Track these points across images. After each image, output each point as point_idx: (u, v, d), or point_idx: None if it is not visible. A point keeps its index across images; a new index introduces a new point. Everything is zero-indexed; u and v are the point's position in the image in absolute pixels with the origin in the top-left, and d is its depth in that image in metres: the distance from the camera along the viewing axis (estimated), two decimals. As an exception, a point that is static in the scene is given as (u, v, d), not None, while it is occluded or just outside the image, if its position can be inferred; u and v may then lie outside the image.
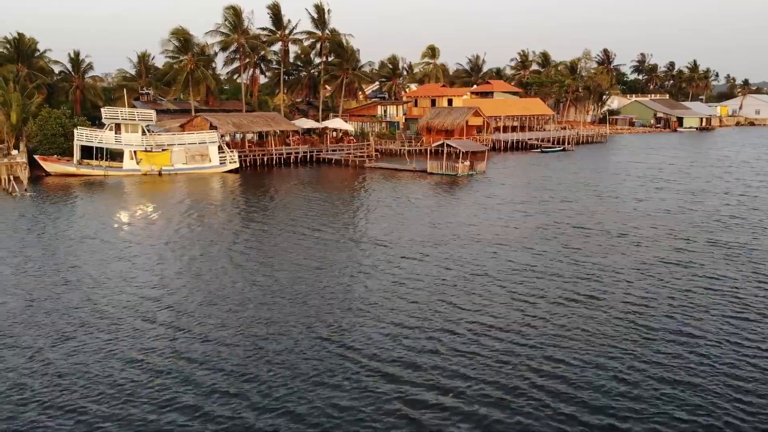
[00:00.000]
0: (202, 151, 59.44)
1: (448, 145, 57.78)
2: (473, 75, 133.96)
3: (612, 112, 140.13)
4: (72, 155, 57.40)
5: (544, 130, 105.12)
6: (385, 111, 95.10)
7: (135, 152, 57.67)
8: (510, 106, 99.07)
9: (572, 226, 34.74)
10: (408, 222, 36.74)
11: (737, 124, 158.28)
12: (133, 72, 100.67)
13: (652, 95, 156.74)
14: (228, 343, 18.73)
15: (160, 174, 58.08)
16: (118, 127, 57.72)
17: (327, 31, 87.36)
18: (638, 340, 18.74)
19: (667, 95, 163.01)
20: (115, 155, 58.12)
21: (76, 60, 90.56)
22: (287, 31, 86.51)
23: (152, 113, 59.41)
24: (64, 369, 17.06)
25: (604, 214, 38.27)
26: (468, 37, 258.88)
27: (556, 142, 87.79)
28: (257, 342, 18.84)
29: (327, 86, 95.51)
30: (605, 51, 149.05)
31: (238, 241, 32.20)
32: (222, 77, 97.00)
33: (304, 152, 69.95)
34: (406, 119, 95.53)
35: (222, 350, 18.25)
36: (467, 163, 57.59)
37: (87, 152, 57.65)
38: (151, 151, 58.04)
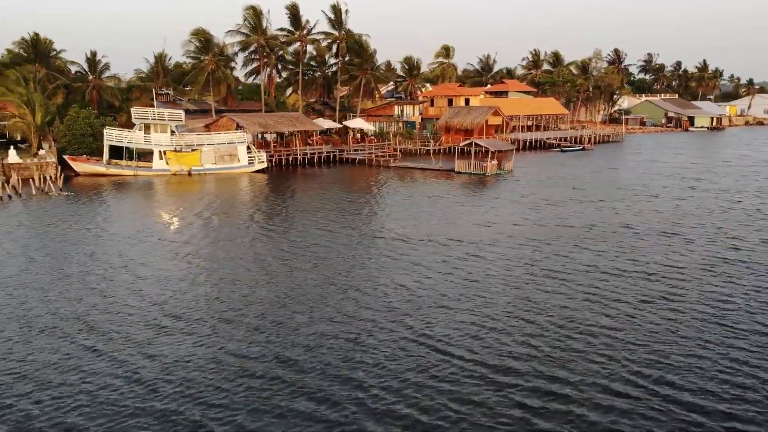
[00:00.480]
0: (231, 152, 59.55)
1: (476, 144, 57.83)
2: (484, 75, 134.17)
3: (622, 112, 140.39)
4: (101, 155, 57.51)
5: (559, 129, 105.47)
6: (401, 111, 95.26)
7: (164, 152, 57.77)
8: (526, 106, 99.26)
9: (621, 226, 34.85)
10: (451, 221, 36.85)
11: (746, 123, 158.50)
12: (148, 71, 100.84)
13: (661, 95, 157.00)
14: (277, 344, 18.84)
15: (189, 174, 58.18)
16: (147, 127, 57.83)
17: (343, 32, 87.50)
18: (727, 339, 18.86)
19: (675, 95, 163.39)
20: (142, 155, 58.27)
21: (92, 60, 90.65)
22: (305, 32, 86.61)
23: (181, 113, 59.53)
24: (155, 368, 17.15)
25: (648, 214, 38.38)
26: (476, 37, 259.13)
27: (574, 142, 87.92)
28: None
29: (341, 86, 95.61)
30: (616, 51, 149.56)
31: (278, 242, 32.27)
32: (238, 78, 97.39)
33: (327, 152, 70.05)
34: (422, 119, 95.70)
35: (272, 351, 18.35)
36: (495, 162, 57.71)
37: (115, 152, 57.80)
38: (180, 151, 58.14)
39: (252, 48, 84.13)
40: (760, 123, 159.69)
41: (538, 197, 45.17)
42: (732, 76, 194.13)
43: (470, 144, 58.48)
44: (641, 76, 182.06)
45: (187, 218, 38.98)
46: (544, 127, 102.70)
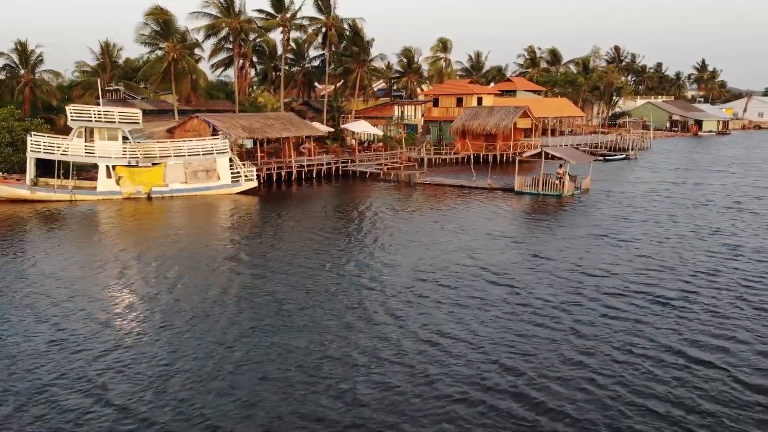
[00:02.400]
0: (208, 166, 43.17)
1: (546, 154, 42.81)
2: (475, 73, 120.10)
3: (621, 114, 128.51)
4: (24, 172, 40.65)
5: (575, 133, 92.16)
6: (402, 112, 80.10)
7: (113, 168, 41.11)
8: (542, 107, 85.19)
9: None
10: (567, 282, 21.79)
11: (743, 127, 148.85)
12: (94, 65, 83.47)
13: (661, 97, 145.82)
14: None
15: (149, 198, 41.72)
16: (90, 132, 41.12)
17: (333, 16, 71.89)
18: None
19: (672, 97, 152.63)
20: (85, 172, 41.80)
21: (23, 51, 72.79)
22: (289, 14, 70.66)
23: (137, 113, 42.69)
24: None
25: None
26: (462, 34, 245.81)
27: (612, 149, 74.51)
28: None
29: (328, 82, 79.98)
30: (616, 48, 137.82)
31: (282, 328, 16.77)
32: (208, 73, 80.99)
33: (328, 164, 54.21)
34: (425, 121, 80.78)
35: None
36: (566, 178, 42.99)
37: (48, 168, 41.10)
38: (136, 166, 41.56)
39: (222, 34, 67.99)
40: (758, 127, 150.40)
41: (666, 231, 30.49)
42: (724, 82, 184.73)
43: (538, 154, 43.33)
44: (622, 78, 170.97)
45: (134, 282, 22.88)
46: (560, 131, 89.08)
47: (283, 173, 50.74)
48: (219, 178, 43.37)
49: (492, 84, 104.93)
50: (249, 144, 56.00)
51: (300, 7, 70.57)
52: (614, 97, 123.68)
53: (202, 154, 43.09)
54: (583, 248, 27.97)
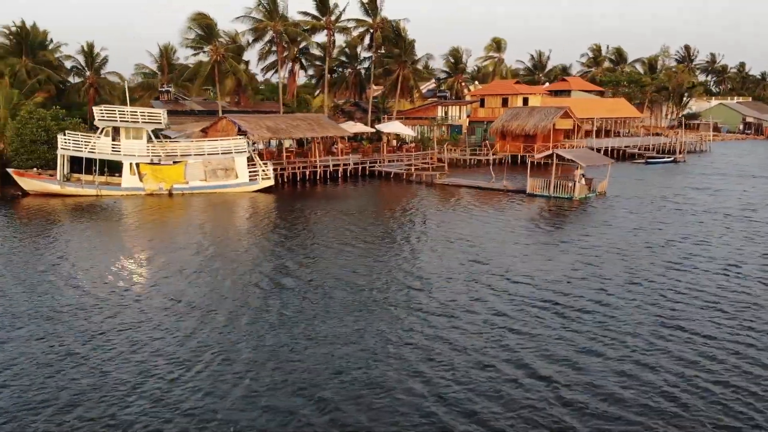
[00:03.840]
0: (227, 164, 44.90)
1: (558, 156, 42.09)
2: (537, 73, 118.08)
3: (692, 116, 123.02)
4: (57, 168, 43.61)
5: (630, 135, 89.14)
6: (445, 112, 79.96)
7: (137, 165, 43.49)
8: (594, 107, 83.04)
9: None
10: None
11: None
12: (154, 67, 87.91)
13: (736, 98, 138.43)
14: None
15: (170, 194, 43.83)
16: (117, 131, 43.66)
17: (379, 18, 72.57)
18: None
19: (749, 98, 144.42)
20: (115, 169, 44.36)
21: (89, 53, 77.58)
22: (333, 17, 71.96)
23: (161, 113, 44.98)
24: None
25: None
26: (526, 32, 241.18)
27: (660, 151, 71.68)
28: None
29: (374, 85, 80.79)
30: (686, 47, 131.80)
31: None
32: (254, 74, 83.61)
33: (355, 164, 55.04)
34: (470, 122, 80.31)
35: None
36: (584, 182, 42.02)
37: (82, 165, 43.92)
38: (158, 164, 43.77)
39: (267, 37, 69.89)
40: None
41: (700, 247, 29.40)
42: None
43: (549, 156, 42.65)
44: (702, 78, 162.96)
45: (152, 272, 24.30)
46: (614, 132, 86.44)
47: (307, 172, 51.95)
48: (237, 177, 45.00)
49: (547, 84, 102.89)
50: (286, 145, 57.62)
51: (344, 10, 71.47)
52: (684, 98, 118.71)
53: (221, 154, 44.82)
54: (557, 254, 27.52)
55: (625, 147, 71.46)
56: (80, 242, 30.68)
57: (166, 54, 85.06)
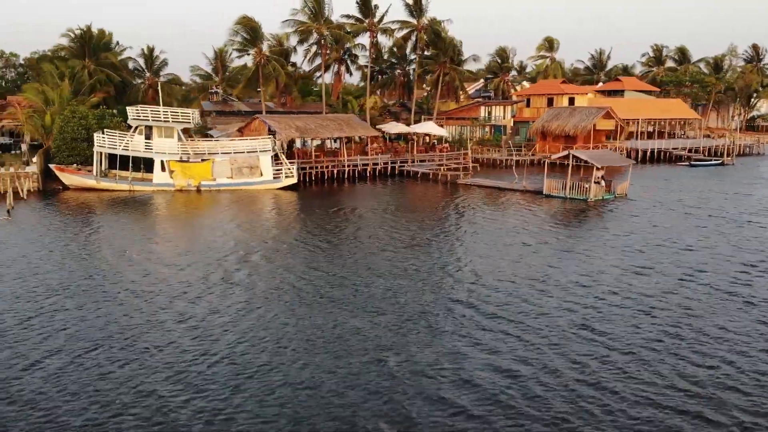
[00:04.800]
0: (252, 163, 46.62)
1: (575, 158, 41.63)
2: (596, 73, 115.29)
3: (759, 117, 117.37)
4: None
5: (686, 137, 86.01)
6: (489, 112, 79.60)
7: (167, 162, 45.81)
8: (646, 108, 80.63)
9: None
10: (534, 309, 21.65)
11: None
12: (209, 69, 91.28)
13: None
14: None
15: (198, 190, 45.93)
16: (150, 130, 46.13)
17: (424, 20, 73.03)
18: None
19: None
20: (150, 166, 46.82)
21: (149, 56, 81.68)
22: (376, 20, 72.87)
23: (192, 113, 47.20)
24: None
25: None
26: (588, 30, 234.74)
27: (708, 153, 69.06)
28: None
29: (417, 85, 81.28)
30: (754, 47, 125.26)
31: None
32: (307, 75, 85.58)
33: (384, 163, 55.85)
34: (515, 122, 79.61)
35: None
36: (603, 183, 41.36)
37: (120, 162, 46.69)
38: (187, 162, 45.96)
39: (312, 39, 71.51)
40: None
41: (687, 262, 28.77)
42: None
43: (566, 156, 42.23)
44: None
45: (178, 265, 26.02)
46: (668, 134, 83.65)
47: (336, 171, 53.14)
48: (261, 175, 46.64)
49: (600, 84, 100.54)
50: (330, 143, 59.14)
51: (386, 12, 72.23)
52: (753, 99, 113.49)
53: (247, 152, 46.57)
54: (558, 256, 27.54)
55: (672, 149, 69.20)
56: (113, 231, 32.86)
57: (220, 56, 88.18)
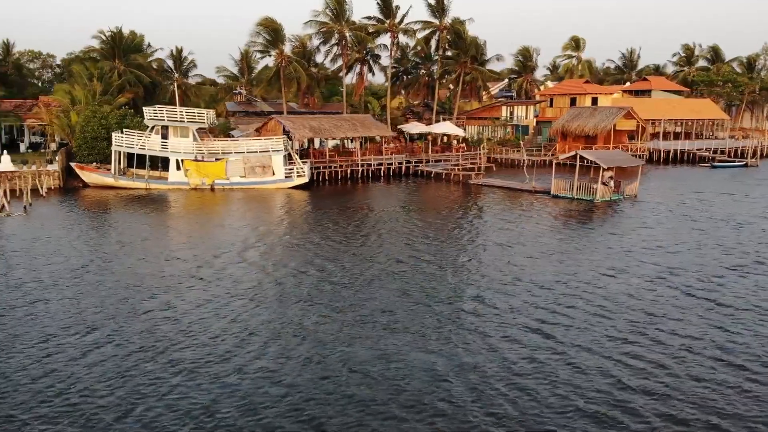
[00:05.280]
0: (264, 162, 47.50)
1: (582, 158, 41.42)
2: (627, 72, 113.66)
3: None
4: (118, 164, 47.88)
5: (715, 138, 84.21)
6: (511, 112, 79.30)
7: (182, 161, 46.97)
8: (673, 108, 79.31)
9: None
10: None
11: None
12: (235, 70, 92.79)
13: None
14: None
15: (212, 189, 46.98)
16: (166, 130, 47.37)
17: (447, 20, 73.22)
18: None
19: None
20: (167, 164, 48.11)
21: (178, 57, 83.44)
22: (397, 20, 73.22)
23: (207, 114, 48.32)
24: None
25: None
26: (618, 30, 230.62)
27: (734, 155, 67.65)
28: None
29: (451, 86, 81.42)
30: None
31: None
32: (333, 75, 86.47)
33: (399, 163, 56.24)
34: (537, 122, 79.13)
35: None
36: (612, 184, 41.05)
37: (138, 161, 48.07)
38: (202, 161, 47.06)
39: (334, 40, 72.23)
40: None
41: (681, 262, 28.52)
42: None
43: (574, 156, 42.03)
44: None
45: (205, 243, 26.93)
46: (697, 134, 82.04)
47: (350, 171, 53.71)
48: (273, 174, 47.49)
49: (627, 83, 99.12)
50: (348, 143, 59.80)
51: (407, 13, 72.48)
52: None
53: (259, 152, 47.47)
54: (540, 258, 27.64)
55: (696, 150, 67.97)
56: (125, 226, 34.06)
57: (246, 57, 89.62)
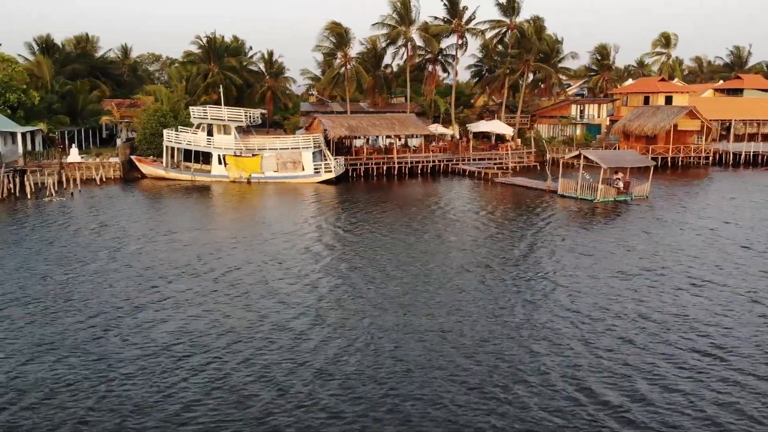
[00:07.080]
0: (295, 158, 50.81)
1: (586, 158, 40.93)
2: (735, 69, 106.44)
3: None
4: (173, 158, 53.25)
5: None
6: (582, 111, 77.48)
7: (224, 156, 51.31)
8: (757, 108, 74.02)
9: None
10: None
11: None
12: (317, 72, 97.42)
13: None
14: None
15: (248, 182, 50.93)
16: (211, 128, 51.97)
17: (516, 19, 73.16)
18: None
19: None
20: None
21: (269, 60, 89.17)
22: (464, 20, 74.03)
23: (242, 113, 52.31)
24: None
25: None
26: (725, 25, 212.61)
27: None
28: None
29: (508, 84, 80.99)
30: None
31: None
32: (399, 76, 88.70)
33: (439, 161, 57.53)
34: (610, 121, 76.82)
35: None
36: (620, 184, 40.27)
37: (189, 155, 53.12)
38: (240, 156, 51.16)
39: (401, 42, 74.37)
40: None
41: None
42: None
43: (577, 156, 41.62)
44: None
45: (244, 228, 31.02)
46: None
47: (385, 168, 55.74)
48: (303, 169, 50.68)
49: (721, 82, 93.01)
50: (386, 141, 62.02)
51: (474, 12, 72.97)
52: None
53: (291, 149, 50.86)
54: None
55: (762, 152, 63.47)
56: (118, 223, 38.78)
57: (325, 60, 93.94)
